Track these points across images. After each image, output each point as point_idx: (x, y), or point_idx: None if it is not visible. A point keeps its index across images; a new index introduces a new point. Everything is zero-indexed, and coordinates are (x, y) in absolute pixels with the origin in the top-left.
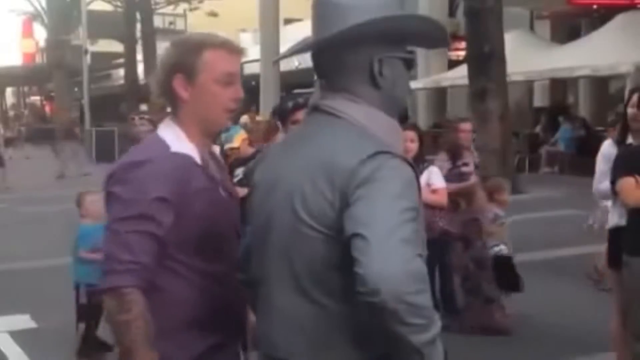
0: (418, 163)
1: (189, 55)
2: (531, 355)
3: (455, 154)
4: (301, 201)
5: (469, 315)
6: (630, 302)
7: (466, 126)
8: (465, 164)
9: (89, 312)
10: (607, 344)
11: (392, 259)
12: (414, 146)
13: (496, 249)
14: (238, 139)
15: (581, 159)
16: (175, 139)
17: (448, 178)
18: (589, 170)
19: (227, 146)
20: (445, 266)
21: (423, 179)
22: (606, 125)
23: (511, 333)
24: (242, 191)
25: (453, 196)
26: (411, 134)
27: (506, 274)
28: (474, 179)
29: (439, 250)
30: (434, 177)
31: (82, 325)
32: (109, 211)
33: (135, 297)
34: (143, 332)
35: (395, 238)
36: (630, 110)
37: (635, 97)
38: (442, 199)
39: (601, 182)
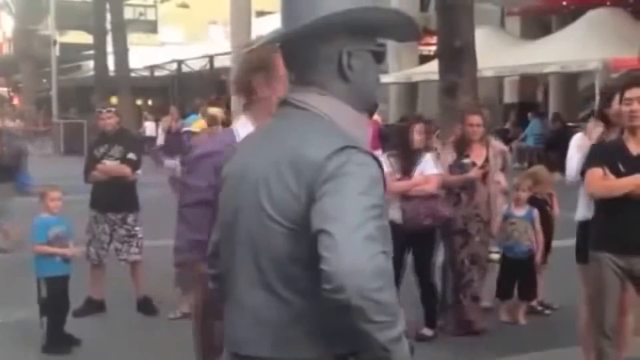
0: (421, 154)
1: (268, 55)
2: (504, 349)
3: (459, 146)
4: (267, 194)
5: (456, 313)
6: (595, 297)
7: (473, 119)
8: (466, 156)
9: (51, 306)
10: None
11: (356, 256)
12: (422, 138)
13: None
14: (198, 125)
15: (549, 154)
16: (247, 132)
17: (451, 170)
18: (557, 166)
19: (185, 128)
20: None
21: (419, 169)
22: (575, 121)
23: (483, 333)
24: None
25: (452, 188)
26: (420, 127)
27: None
28: (474, 173)
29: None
30: (427, 165)
31: (45, 320)
32: (182, 198)
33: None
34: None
35: (360, 235)
36: (614, 107)
37: (617, 96)
38: (431, 186)
39: (572, 169)
